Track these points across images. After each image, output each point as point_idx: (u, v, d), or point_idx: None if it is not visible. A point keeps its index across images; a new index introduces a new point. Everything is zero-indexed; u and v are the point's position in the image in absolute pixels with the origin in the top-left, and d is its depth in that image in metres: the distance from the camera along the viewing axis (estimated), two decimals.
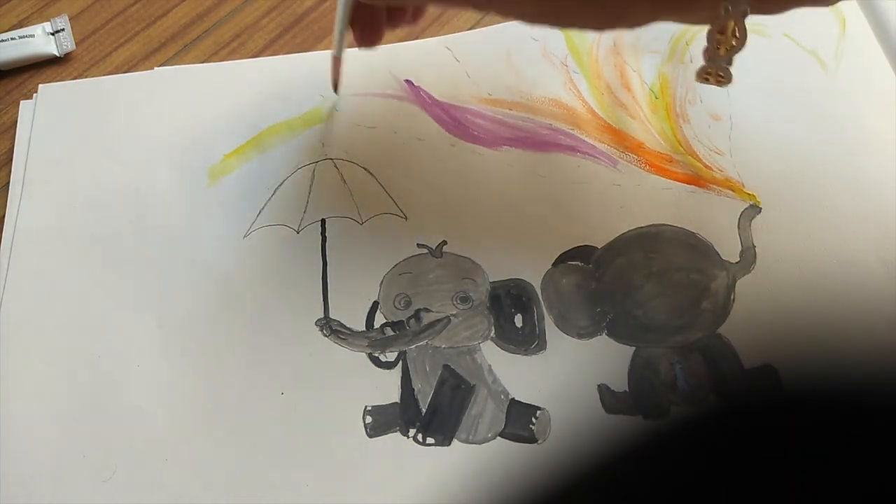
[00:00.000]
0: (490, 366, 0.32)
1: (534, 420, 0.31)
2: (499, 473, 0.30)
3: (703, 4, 0.26)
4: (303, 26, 0.43)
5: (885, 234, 0.34)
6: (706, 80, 0.28)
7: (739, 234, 0.35)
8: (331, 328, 0.33)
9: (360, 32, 0.33)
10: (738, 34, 0.26)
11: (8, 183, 0.38)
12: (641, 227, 0.35)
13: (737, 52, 0.27)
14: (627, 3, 0.27)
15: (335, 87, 0.38)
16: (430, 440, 0.31)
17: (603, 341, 0.33)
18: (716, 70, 0.28)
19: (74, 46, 0.43)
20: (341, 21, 0.33)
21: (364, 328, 0.33)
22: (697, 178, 0.36)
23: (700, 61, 0.39)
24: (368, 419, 0.32)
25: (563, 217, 0.36)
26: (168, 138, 0.39)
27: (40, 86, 0.41)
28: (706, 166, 0.36)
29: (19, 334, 0.34)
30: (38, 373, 0.33)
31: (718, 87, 0.29)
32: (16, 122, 0.40)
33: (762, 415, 0.30)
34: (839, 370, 0.31)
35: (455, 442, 0.31)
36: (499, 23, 0.41)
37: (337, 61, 0.37)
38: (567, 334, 0.33)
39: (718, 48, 0.27)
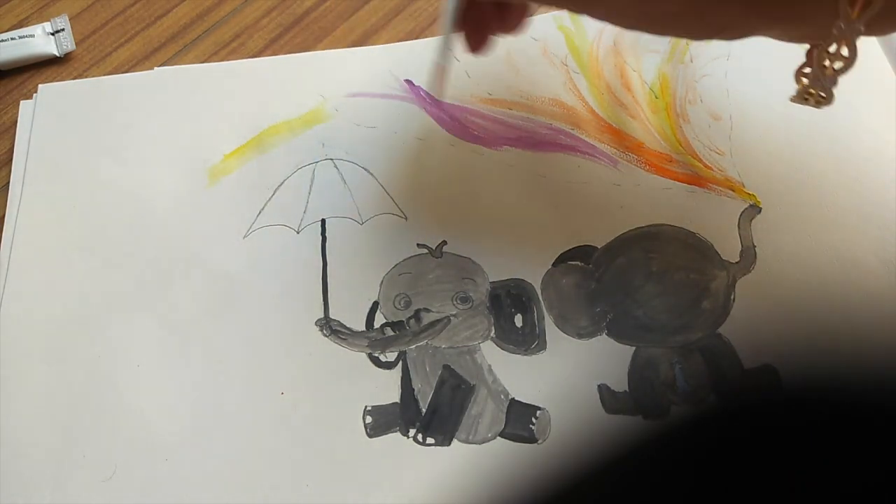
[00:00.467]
0: (490, 366, 0.32)
1: (534, 420, 0.31)
2: (499, 473, 0.30)
3: (813, 21, 0.25)
4: (303, 26, 0.43)
5: (885, 234, 0.34)
6: (805, 101, 0.27)
7: (739, 234, 0.35)
8: (331, 328, 0.33)
9: (471, 38, 0.33)
10: (847, 54, 0.25)
11: (8, 183, 0.38)
12: (641, 227, 0.35)
13: (844, 72, 0.25)
14: (733, 16, 0.25)
15: (439, 93, 0.38)
16: (430, 440, 0.31)
17: (603, 341, 0.33)
18: (817, 91, 0.26)
19: (74, 46, 0.43)
20: (449, 26, 0.32)
21: (364, 328, 0.33)
22: (697, 178, 0.36)
23: (701, 61, 0.39)
24: (368, 419, 0.32)
25: (563, 217, 0.36)
26: (168, 138, 0.39)
27: (40, 86, 0.41)
28: (706, 166, 0.36)
29: (19, 334, 0.34)
30: (38, 373, 0.33)
31: (816, 109, 0.27)
32: (16, 122, 0.40)
33: (762, 415, 0.30)
34: (839, 370, 0.31)
35: (455, 442, 0.31)
36: None
37: (441, 70, 0.35)
38: (567, 334, 0.33)
39: (824, 69, 0.25)
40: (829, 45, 0.25)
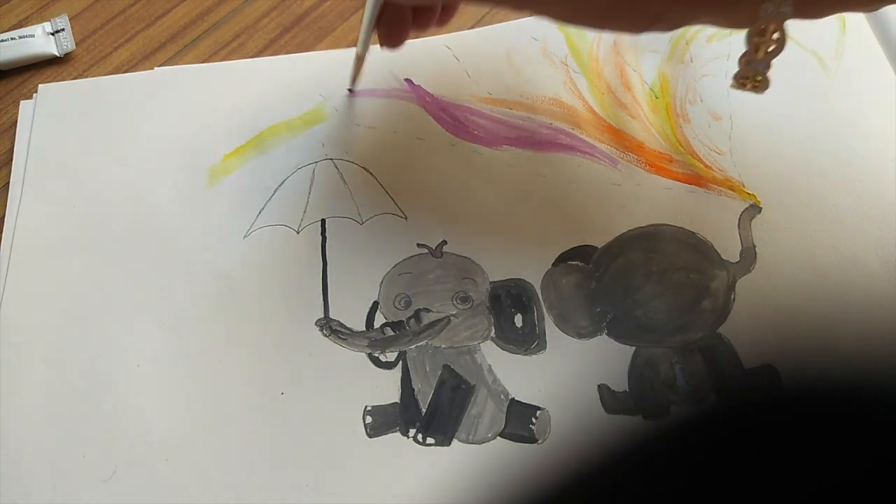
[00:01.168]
0: (490, 366, 0.32)
1: (534, 420, 0.31)
2: (499, 473, 0.30)
3: (742, 6, 0.26)
4: (303, 26, 0.43)
5: (885, 234, 0.34)
6: (742, 87, 0.28)
7: (739, 234, 0.35)
8: (331, 328, 0.33)
9: (385, 32, 0.34)
10: (777, 37, 0.26)
11: (8, 183, 0.38)
12: (641, 227, 0.35)
13: (775, 55, 0.26)
14: (664, 5, 0.26)
15: (352, 83, 0.39)
16: (430, 440, 0.31)
17: (603, 341, 0.33)
18: (753, 75, 0.27)
19: (74, 46, 0.43)
20: (368, 20, 0.33)
21: (364, 328, 0.33)
22: (697, 178, 0.36)
23: (701, 61, 0.39)
24: (368, 419, 0.32)
25: (563, 217, 0.36)
26: (168, 138, 0.39)
27: (40, 86, 0.41)
28: (706, 166, 0.36)
29: (19, 334, 0.34)
30: (38, 373, 0.33)
31: (755, 94, 0.28)
32: (16, 122, 0.40)
33: (762, 415, 0.30)
34: (839, 370, 0.31)
35: (455, 442, 0.31)
36: (499, 21, 0.41)
37: (360, 60, 0.37)
38: (567, 334, 0.33)
39: (756, 51, 0.26)
40: (759, 28, 0.26)
